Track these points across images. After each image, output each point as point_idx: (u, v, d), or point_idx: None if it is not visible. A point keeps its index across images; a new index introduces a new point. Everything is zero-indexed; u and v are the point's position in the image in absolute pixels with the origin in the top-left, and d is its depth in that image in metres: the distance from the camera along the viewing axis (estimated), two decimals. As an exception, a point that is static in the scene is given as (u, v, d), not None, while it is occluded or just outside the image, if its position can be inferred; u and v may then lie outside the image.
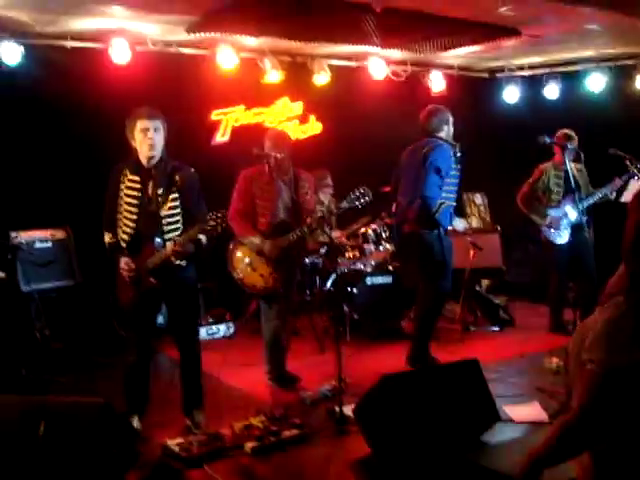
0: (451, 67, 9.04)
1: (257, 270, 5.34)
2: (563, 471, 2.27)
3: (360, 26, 6.43)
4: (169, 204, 4.33)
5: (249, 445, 4.07)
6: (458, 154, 5.74)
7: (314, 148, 8.01)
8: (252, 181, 5.42)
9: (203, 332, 6.96)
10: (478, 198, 9.11)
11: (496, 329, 7.31)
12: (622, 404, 2.03)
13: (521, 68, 9.17)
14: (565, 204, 6.82)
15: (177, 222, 4.35)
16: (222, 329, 7.38)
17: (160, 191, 4.33)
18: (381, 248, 7.34)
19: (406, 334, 6.68)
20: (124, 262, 4.35)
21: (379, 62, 8.26)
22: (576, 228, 6.71)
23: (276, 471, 3.95)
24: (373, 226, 7.36)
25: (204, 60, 7.45)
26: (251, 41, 7.32)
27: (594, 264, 6.58)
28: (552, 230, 6.85)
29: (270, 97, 8.33)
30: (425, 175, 5.60)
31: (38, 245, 6.49)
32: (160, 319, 5.25)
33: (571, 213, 6.76)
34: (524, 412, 4.58)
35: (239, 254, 5.43)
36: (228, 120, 8.14)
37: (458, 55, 8.33)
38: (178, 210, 4.36)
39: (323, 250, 7.20)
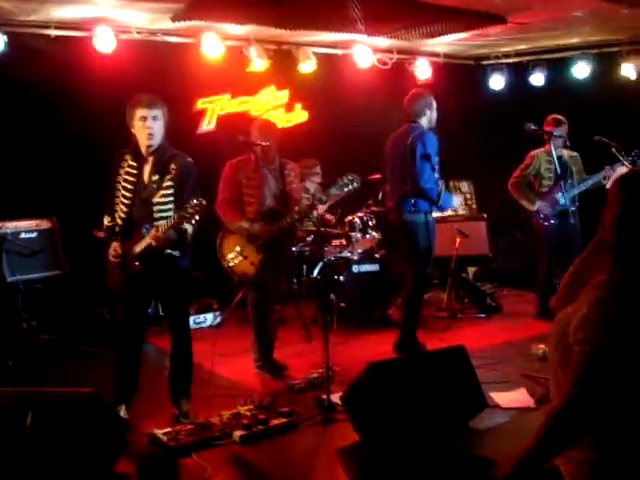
0: (437, 55, 9.01)
1: (248, 258, 5.33)
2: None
3: (345, 13, 6.40)
4: (162, 192, 4.32)
5: (237, 434, 4.07)
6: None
7: (300, 136, 7.98)
8: (238, 169, 5.42)
9: (190, 321, 6.90)
10: (464, 186, 9.10)
11: (483, 316, 7.33)
12: (613, 383, 2.04)
13: (507, 55, 9.17)
14: (556, 191, 6.83)
15: (169, 210, 4.33)
16: (209, 318, 7.37)
17: (155, 178, 4.34)
18: (368, 236, 7.36)
19: (393, 322, 6.71)
20: (112, 247, 4.38)
21: (365, 50, 8.22)
22: (562, 214, 6.73)
23: (264, 459, 3.96)
24: (359, 214, 7.37)
25: (189, 48, 7.38)
26: (236, 29, 7.28)
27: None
28: (542, 215, 6.86)
29: (256, 85, 8.30)
30: (418, 167, 5.61)
31: (24, 235, 6.45)
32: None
33: (560, 200, 6.78)
34: (511, 398, 4.61)
35: (229, 242, 5.42)
36: (214, 109, 8.11)
37: (444, 43, 8.31)
38: (171, 198, 4.34)
39: (310, 238, 7.20)
